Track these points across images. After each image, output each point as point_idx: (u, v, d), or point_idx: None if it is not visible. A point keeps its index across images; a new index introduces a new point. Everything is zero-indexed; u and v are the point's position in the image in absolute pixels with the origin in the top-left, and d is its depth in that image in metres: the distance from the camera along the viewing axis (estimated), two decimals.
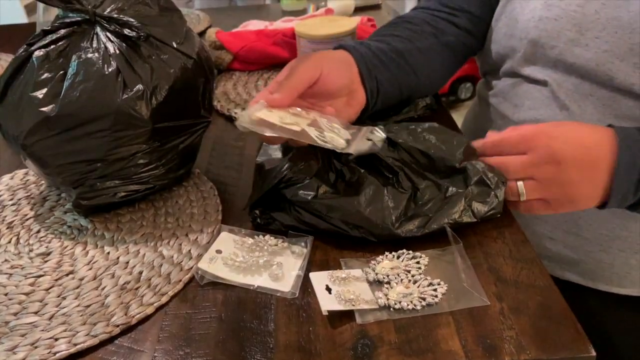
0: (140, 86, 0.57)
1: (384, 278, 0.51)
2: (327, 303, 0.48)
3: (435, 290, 0.50)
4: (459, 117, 0.81)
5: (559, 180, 0.54)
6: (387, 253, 0.54)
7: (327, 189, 0.58)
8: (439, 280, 0.51)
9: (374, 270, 0.52)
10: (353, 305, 0.48)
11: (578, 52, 0.62)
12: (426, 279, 0.51)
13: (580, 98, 0.63)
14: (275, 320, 0.49)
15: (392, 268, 0.52)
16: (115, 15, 0.60)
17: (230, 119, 0.85)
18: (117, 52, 0.58)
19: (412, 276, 0.52)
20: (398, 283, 0.51)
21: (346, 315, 0.49)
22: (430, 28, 0.73)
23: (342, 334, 0.47)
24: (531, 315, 0.47)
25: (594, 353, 0.44)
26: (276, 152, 0.64)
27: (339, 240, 0.57)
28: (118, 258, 0.57)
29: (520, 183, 0.55)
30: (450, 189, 0.57)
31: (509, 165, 0.55)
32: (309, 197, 0.57)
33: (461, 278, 0.50)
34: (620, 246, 0.67)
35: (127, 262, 0.56)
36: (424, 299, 0.49)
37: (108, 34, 0.59)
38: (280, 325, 0.48)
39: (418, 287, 0.50)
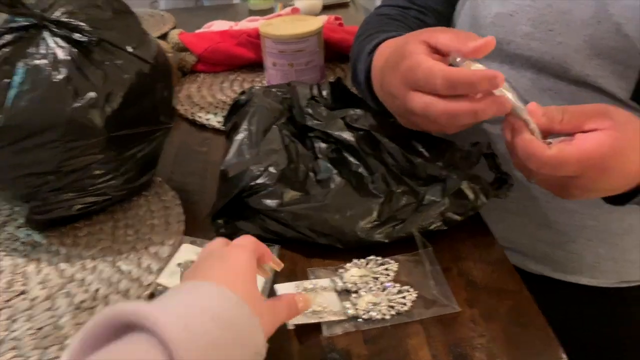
0: (92, 94, 0.54)
1: (352, 287, 0.50)
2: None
3: (404, 297, 0.49)
4: None
5: (571, 191, 0.49)
6: (355, 260, 0.53)
7: (294, 194, 0.56)
8: (408, 287, 0.50)
9: (342, 279, 0.51)
10: (320, 317, 0.47)
11: (534, 46, 0.61)
12: (395, 286, 0.50)
13: (538, 93, 0.63)
14: None
15: (360, 276, 0.51)
16: (65, 20, 0.57)
17: (194, 123, 0.82)
18: (68, 58, 0.55)
19: (381, 283, 0.50)
20: (367, 292, 0.49)
21: (315, 328, 0.47)
22: (414, 27, 0.73)
23: (310, 348, 0.45)
24: (502, 321, 0.46)
25: (565, 358, 0.43)
26: (242, 157, 0.62)
27: (307, 248, 0.55)
28: (73, 275, 0.54)
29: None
30: (426, 197, 0.56)
31: (534, 174, 0.49)
32: (274, 205, 0.55)
33: (430, 285, 0.49)
34: (588, 235, 0.67)
35: (83, 279, 0.53)
36: (392, 307, 0.48)
37: (57, 39, 0.56)
38: None
39: (387, 295, 0.49)
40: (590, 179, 0.47)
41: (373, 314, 0.47)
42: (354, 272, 0.51)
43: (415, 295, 0.49)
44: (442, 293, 0.49)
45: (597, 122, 0.46)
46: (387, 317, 0.47)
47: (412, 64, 0.49)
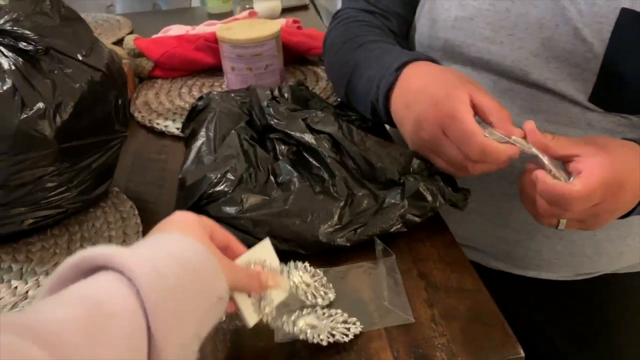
0: (41, 104, 0.53)
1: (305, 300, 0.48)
2: (251, 315, 0.43)
3: (348, 329, 0.46)
4: None
5: (601, 217, 0.53)
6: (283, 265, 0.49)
7: (255, 199, 0.55)
8: (355, 319, 0.47)
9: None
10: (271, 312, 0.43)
11: (494, 50, 0.62)
12: (342, 315, 0.47)
13: (499, 94, 0.64)
14: (200, 348, 0.46)
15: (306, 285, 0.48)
16: (9, 28, 0.55)
17: (152, 131, 0.81)
18: (13, 68, 0.53)
19: (328, 311, 0.47)
20: (310, 312, 0.47)
21: (269, 335, 0.46)
22: (387, 33, 0.73)
23: (268, 354, 0.45)
24: (461, 320, 0.47)
25: (522, 354, 0.44)
26: (200, 164, 0.61)
27: None
28: (27, 292, 0.52)
29: (563, 221, 0.53)
30: (386, 200, 0.56)
31: (569, 214, 0.51)
32: (234, 213, 0.55)
33: (383, 296, 0.48)
34: (545, 233, 0.69)
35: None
36: (333, 336, 0.45)
37: (2, 48, 0.54)
38: (206, 353, 0.46)
39: (331, 321, 0.46)
40: (611, 202, 0.51)
41: (309, 336, 0.44)
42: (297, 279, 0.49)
43: (359, 329, 0.46)
44: (396, 304, 0.48)
45: (580, 148, 0.51)
46: (324, 343, 0.44)
47: (456, 115, 0.51)
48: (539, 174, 0.50)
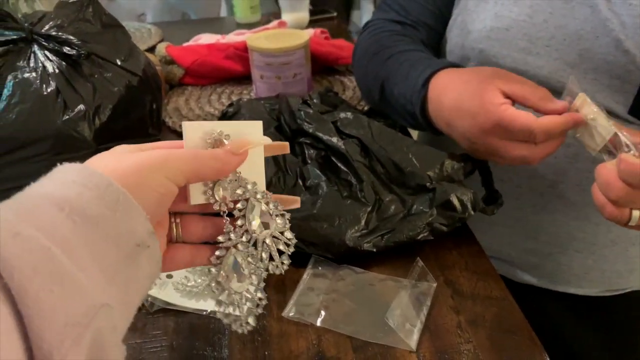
0: (82, 106, 0.55)
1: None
2: (197, 195, 0.37)
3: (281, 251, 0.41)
4: None
5: None
6: None
7: None
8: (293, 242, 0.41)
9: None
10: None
11: (530, 61, 0.62)
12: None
13: None
14: (229, 346, 0.47)
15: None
16: (54, 33, 0.57)
17: (182, 135, 0.82)
18: (57, 71, 0.56)
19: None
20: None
21: (303, 337, 0.47)
22: (417, 43, 0.74)
23: (298, 357, 0.46)
24: (488, 328, 0.47)
25: None
26: None
27: (297, 258, 0.56)
28: None
29: (636, 212, 0.48)
30: (414, 206, 0.56)
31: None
32: None
33: (393, 315, 0.48)
34: (577, 247, 0.69)
35: None
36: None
37: (46, 52, 0.57)
38: (234, 351, 0.47)
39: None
40: None
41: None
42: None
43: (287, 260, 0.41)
44: (403, 328, 0.47)
45: None
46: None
47: (503, 120, 0.51)
48: (623, 154, 0.47)
